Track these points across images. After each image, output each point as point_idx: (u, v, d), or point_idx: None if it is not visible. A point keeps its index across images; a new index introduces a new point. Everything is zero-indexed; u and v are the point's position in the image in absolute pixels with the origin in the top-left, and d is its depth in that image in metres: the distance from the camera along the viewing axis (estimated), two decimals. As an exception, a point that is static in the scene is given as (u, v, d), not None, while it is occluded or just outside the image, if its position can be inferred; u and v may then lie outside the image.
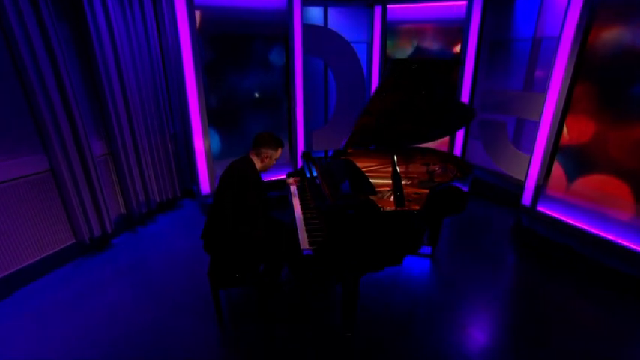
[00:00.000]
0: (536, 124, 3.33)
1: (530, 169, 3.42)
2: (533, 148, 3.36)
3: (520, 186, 3.86)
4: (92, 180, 2.99)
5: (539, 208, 3.36)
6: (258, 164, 2.17)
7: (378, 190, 2.38)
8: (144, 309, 2.43)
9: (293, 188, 2.63)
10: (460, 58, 4.22)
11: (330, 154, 2.94)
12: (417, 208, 2.13)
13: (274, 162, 2.25)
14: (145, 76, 3.48)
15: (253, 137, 2.20)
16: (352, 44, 4.41)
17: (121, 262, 3.01)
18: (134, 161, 3.45)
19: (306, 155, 2.97)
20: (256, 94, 4.01)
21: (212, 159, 3.81)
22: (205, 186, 3.88)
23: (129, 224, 3.59)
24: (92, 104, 3.09)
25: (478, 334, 2.22)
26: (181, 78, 3.48)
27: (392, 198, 2.33)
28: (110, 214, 3.23)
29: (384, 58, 4.62)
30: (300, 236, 1.92)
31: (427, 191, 2.34)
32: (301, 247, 1.78)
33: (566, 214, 3.16)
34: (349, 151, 2.99)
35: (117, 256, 3.11)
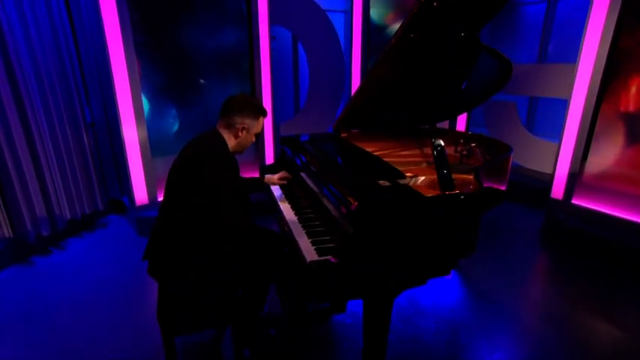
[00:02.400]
0: (556, 103, 3.13)
1: (560, 156, 3.18)
2: (563, 130, 3.13)
3: (538, 178, 3.72)
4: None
5: (575, 201, 3.10)
6: (230, 141, 1.65)
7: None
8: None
9: (278, 193, 2.16)
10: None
11: (303, 138, 2.58)
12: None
13: (253, 138, 1.72)
14: (43, 38, 2.72)
15: (223, 102, 1.67)
16: (327, 13, 4.07)
17: (2, 312, 2.22)
18: (27, 158, 2.64)
19: (286, 140, 2.56)
20: (202, 79, 3.45)
21: (149, 155, 3.16)
22: (141, 193, 3.23)
23: (18, 254, 2.79)
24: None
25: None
26: (100, 41, 2.82)
27: (420, 182, 1.93)
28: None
29: (367, 29, 4.27)
30: (301, 245, 1.55)
31: (463, 176, 2.01)
32: (307, 260, 1.43)
33: (612, 206, 2.90)
34: (343, 135, 2.57)
35: (-5, 304, 2.28)
